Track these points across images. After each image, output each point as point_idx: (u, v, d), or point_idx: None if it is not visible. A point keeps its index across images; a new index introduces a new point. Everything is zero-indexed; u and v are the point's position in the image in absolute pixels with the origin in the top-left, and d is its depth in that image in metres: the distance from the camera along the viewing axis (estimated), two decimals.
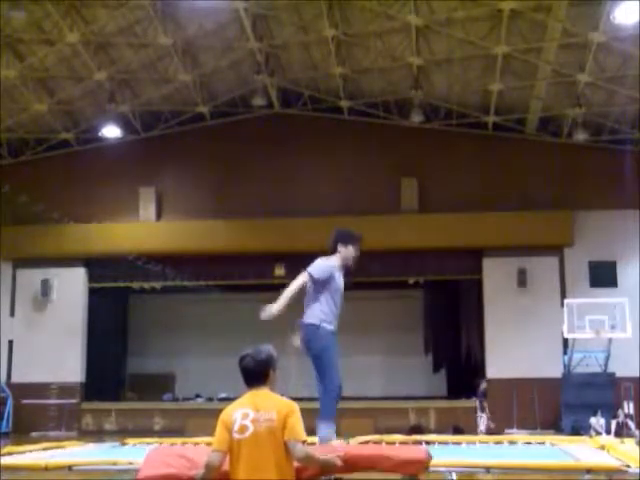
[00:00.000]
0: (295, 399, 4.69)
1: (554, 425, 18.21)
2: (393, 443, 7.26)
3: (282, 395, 4.66)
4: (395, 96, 19.77)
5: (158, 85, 19.51)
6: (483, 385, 17.59)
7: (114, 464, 6.12)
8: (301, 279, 6.17)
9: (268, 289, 21.23)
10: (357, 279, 19.96)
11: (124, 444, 8.16)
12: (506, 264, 19.86)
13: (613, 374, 17.96)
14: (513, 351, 19.32)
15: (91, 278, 21.30)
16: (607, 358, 17.94)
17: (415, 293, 22.72)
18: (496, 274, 20.02)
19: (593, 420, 16.48)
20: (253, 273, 20.80)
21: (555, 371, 18.65)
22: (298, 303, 6.33)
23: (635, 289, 18.88)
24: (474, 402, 18.58)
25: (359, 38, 17.54)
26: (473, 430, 16.78)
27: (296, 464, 4.57)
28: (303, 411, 4.58)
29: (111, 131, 20.55)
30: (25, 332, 20.91)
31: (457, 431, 16.52)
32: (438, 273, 20.75)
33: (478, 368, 20.17)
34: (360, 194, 20.33)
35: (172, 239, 20.29)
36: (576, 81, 17.47)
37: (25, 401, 19.86)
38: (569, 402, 17.56)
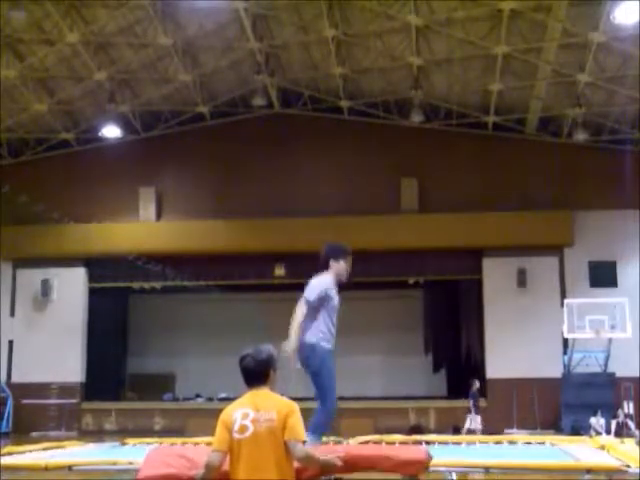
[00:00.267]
0: (295, 399, 4.69)
1: (554, 425, 18.21)
2: (393, 443, 7.26)
3: (282, 395, 4.66)
4: (395, 96, 19.77)
5: (158, 85, 19.51)
6: (476, 386, 17.54)
7: (114, 464, 6.12)
8: (302, 307, 6.17)
9: (268, 289, 21.47)
10: (357, 279, 20.08)
11: (124, 444, 8.16)
12: (506, 264, 19.86)
13: (613, 374, 17.97)
14: (513, 351, 19.32)
15: (91, 278, 21.30)
16: (607, 358, 17.95)
17: (415, 293, 22.73)
18: (496, 274, 20.02)
19: (593, 420, 16.48)
20: (253, 273, 20.81)
21: (555, 371, 18.66)
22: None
23: (635, 289, 18.88)
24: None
25: (359, 38, 17.54)
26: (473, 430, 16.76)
27: (296, 464, 4.57)
28: (303, 411, 4.58)
29: (111, 131, 20.55)
30: (25, 332, 20.92)
31: (457, 431, 16.54)
32: (438, 273, 20.76)
33: (478, 368, 20.16)
34: (360, 194, 20.33)
35: (172, 239, 20.29)
36: (576, 81, 17.47)
37: (25, 401, 19.86)
38: (569, 402, 17.56)
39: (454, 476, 5.80)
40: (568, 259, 19.93)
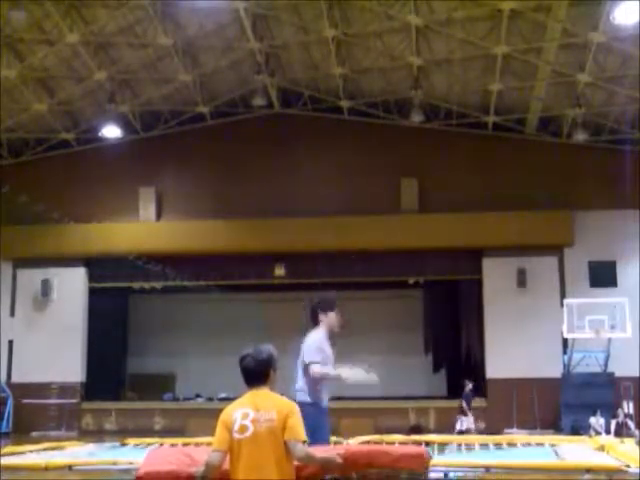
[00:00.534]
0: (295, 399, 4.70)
1: (554, 425, 18.21)
2: (393, 443, 7.27)
3: (282, 395, 4.67)
4: (395, 96, 19.77)
5: (158, 85, 19.51)
6: (469, 387, 17.52)
7: (114, 464, 6.13)
8: (317, 367, 6.05)
9: (268, 289, 21.48)
10: (357, 279, 20.16)
11: (124, 444, 8.17)
12: (506, 264, 19.86)
13: (613, 374, 17.98)
14: (513, 351, 19.32)
15: (91, 278, 21.30)
16: (607, 358, 17.96)
17: (415, 293, 22.72)
18: (496, 274, 20.02)
19: (593, 420, 16.49)
20: (253, 273, 20.81)
21: (555, 371, 18.66)
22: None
23: (635, 289, 18.88)
24: (473, 402, 18.53)
25: (359, 38, 17.54)
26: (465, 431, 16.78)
27: (296, 464, 4.57)
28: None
29: (111, 131, 20.55)
30: (25, 332, 20.91)
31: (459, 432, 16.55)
32: (438, 273, 20.76)
33: (478, 368, 20.17)
34: (360, 194, 20.33)
35: (172, 239, 20.30)
36: (576, 81, 17.47)
37: (25, 401, 19.86)
38: (569, 402, 17.57)
39: (454, 476, 5.81)
40: (568, 259, 19.93)
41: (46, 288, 20.87)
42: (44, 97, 19.12)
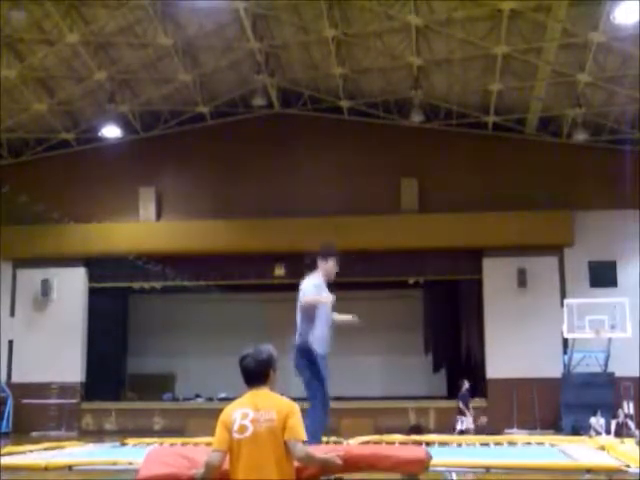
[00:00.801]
0: (295, 399, 4.70)
1: (554, 425, 18.21)
2: (393, 443, 7.26)
3: (282, 395, 4.67)
4: (395, 96, 19.77)
5: (158, 85, 19.51)
6: (465, 386, 17.50)
7: (114, 464, 6.13)
8: (312, 296, 6.20)
9: (268, 289, 21.46)
10: (357, 279, 20.16)
11: (124, 444, 8.16)
12: (506, 264, 19.86)
13: (613, 374, 17.97)
14: (513, 351, 19.31)
15: (91, 278, 21.29)
16: (607, 358, 17.95)
17: (415, 293, 22.72)
18: (496, 274, 20.02)
19: (593, 420, 16.48)
20: (253, 273, 20.81)
21: (555, 371, 18.66)
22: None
23: (635, 289, 18.88)
24: (474, 402, 18.53)
25: (359, 38, 17.53)
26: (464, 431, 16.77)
27: (296, 464, 4.57)
28: (303, 411, 4.58)
29: (111, 131, 20.54)
30: (25, 332, 20.91)
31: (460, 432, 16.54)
32: (438, 273, 20.74)
33: (478, 368, 20.17)
34: (360, 194, 20.33)
35: (172, 239, 20.29)
36: (576, 81, 17.47)
37: (25, 401, 19.85)
38: (569, 402, 17.56)
39: (454, 476, 5.80)
40: (568, 259, 19.93)
41: (46, 288, 20.86)
42: (44, 97, 19.11)
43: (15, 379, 20.64)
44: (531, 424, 18.56)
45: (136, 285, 21.49)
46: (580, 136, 19.17)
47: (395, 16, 16.28)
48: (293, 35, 17.73)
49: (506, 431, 17.63)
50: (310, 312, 6.25)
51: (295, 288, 6.81)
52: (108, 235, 20.49)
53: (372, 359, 22.68)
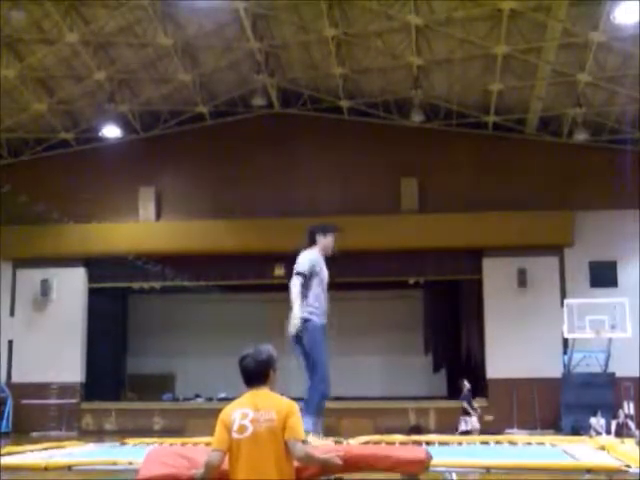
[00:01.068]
0: (295, 399, 4.69)
1: (554, 425, 18.21)
2: (393, 443, 7.24)
3: (282, 395, 4.66)
4: (395, 96, 19.76)
5: (158, 85, 19.50)
6: (466, 387, 17.47)
7: (114, 464, 6.11)
8: (298, 282, 6.18)
9: (268, 289, 21.43)
10: (357, 279, 20.15)
11: (124, 444, 8.14)
12: (506, 264, 19.85)
13: (613, 374, 17.97)
14: (513, 351, 19.31)
15: (91, 278, 21.29)
16: (607, 358, 17.94)
17: (415, 293, 22.72)
18: (496, 274, 20.01)
19: (593, 420, 16.48)
20: (253, 273, 20.80)
21: (555, 371, 18.66)
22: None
23: (635, 289, 18.88)
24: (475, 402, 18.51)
25: (359, 38, 17.53)
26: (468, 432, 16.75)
27: (296, 464, 4.56)
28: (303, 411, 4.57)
29: (111, 131, 20.55)
30: (25, 332, 20.91)
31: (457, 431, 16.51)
32: (438, 273, 20.74)
33: (478, 368, 20.16)
34: (360, 194, 20.33)
35: (172, 239, 20.29)
36: (576, 81, 17.47)
37: (25, 401, 19.85)
38: (569, 402, 17.56)
39: (454, 476, 5.78)
40: (568, 259, 19.93)
41: (46, 288, 20.86)
42: (44, 97, 19.11)
43: (15, 379, 20.65)
44: (531, 424, 18.56)
45: (136, 285, 21.50)
46: (580, 136, 19.17)
47: (395, 16, 16.28)
48: (293, 35, 17.72)
49: (506, 431, 17.62)
50: (305, 281, 6.27)
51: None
52: (108, 235, 20.49)
53: (372, 359, 22.68)
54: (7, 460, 6.32)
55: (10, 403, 19.94)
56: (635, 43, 15.47)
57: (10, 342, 20.94)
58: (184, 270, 20.43)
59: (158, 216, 21.19)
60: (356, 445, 6.60)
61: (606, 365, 18.07)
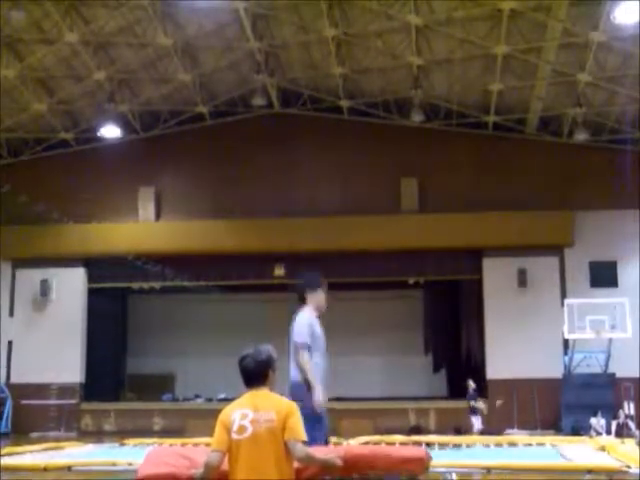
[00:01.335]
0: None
1: (554, 425, 18.19)
2: (393, 444, 7.24)
3: (282, 395, 4.65)
4: (395, 96, 19.75)
5: (158, 85, 19.49)
6: (472, 386, 17.43)
7: (113, 464, 6.11)
8: (306, 355, 6.01)
9: (268, 289, 21.46)
10: (357, 279, 20.14)
11: (123, 445, 8.14)
12: (506, 264, 19.84)
13: (613, 374, 17.96)
14: (513, 351, 19.29)
15: (90, 278, 21.27)
16: (607, 358, 17.93)
17: (415, 293, 22.71)
18: (496, 274, 20.00)
19: (593, 420, 16.46)
20: (253, 273, 20.79)
21: (555, 371, 18.64)
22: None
23: (635, 289, 18.87)
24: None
25: (359, 38, 17.51)
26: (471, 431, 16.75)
27: (296, 464, 4.55)
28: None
29: (111, 131, 20.52)
30: (24, 332, 20.89)
31: (458, 432, 16.51)
32: (438, 273, 20.73)
33: (478, 368, 20.14)
34: (360, 194, 20.32)
35: (172, 239, 20.27)
36: (576, 81, 17.46)
37: (24, 401, 19.83)
38: (569, 402, 17.54)
39: (454, 476, 5.78)
40: (568, 259, 19.91)
41: (45, 288, 20.83)
42: (44, 97, 19.09)
43: (14, 380, 20.62)
44: (531, 425, 18.54)
45: (135, 285, 21.48)
46: (580, 136, 19.16)
47: (395, 16, 16.27)
48: (293, 35, 17.71)
49: (507, 431, 17.61)
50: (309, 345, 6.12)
51: (295, 288, 6.74)
52: (107, 235, 20.47)
53: (372, 359, 22.67)
54: (7, 460, 6.32)
55: (9, 404, 19.92)
56: (635, 43, 15.45)
57: (10, 342, 20.91)
58: (184, 270, 20.42)
59: (158, 216, 21.17)
60: (356, 445, 6.59)
61: (606, 365, 18.06)
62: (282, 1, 16.33)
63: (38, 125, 20.45)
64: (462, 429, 16.85)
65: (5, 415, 19.68)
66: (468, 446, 7.59)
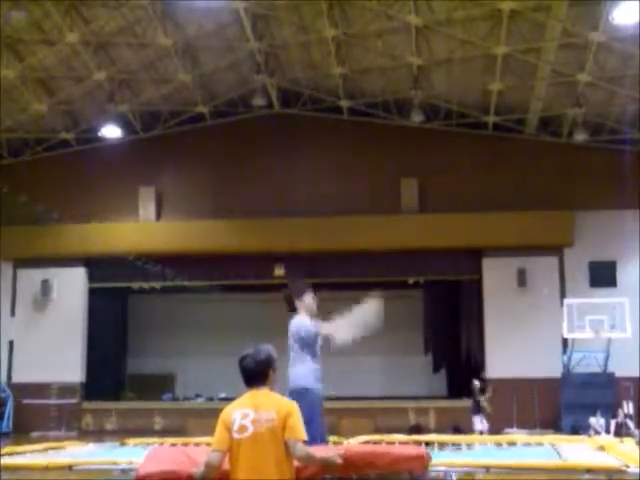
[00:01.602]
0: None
1: (554, 425, 18.21)
2: (393, 443, 7.26)
3: (282, 395, 4.67)
4: (395, 96, 19.77)
5: (158, 85, 19.51)
6: (477, 386, 17.41)
7: (114, 464, 6.12)
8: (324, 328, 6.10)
9: (268, 289, 21.45)
10: (357, 279, 20.15)
11: (124, 444, 8.15)
12: (506, 264, 19.86)
13: (613, 374, 17.98)
14: (513, 351, 19.32)
15: (91, 278, 21.29)
16: (607, 358, 17.96)
17: (415, 293, 22.73)
18: (496, 274, 20.02)
19: (593, 420, 16.48)
20: (253, 273, 20.82)
21: (555, 371, 18.67)
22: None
23: (635, 289, 18.89)
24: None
25: (359, 38, 17.53)
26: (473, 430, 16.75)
27: (296, 464, 4.57)
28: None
29: (111, 131, 20.55)
30: (25, 332, 20.91)
31: (457, 431, 16.51)
32: (438, 273, 20.76)
33: (478, 368, 20.16)
34: (360, 194, 20.34)
35: (172, 239, 20.29)
36: (576, 81, 17.48)
37: (25, 401, 19.85)
38: (569, 402, 17.57)
39: (454, 476, 5.80)
40: (568, 259, 19.94)
41: (46, 288, 20.86)
42: (44, 97, 19.11)
43: (15, 379, 20.65)
44: (531, 424, 18.56)
45: (136, 285, 21.50)
46: (580, 136, 19.18)
47: (395, 16, 16.29)
48: (293, 35, 17.73)
49: (506, 431, 17.62)
50: (303, 346, 6.19)
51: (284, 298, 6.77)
52: (108, 235, 20.50)
53: (372, 359, 22.67)
54: (7, 460, 6.34)
55: (10, 403, 19.95)
56: (635, 43, 15.47)
57: (10, 342, 20.94)
58: (184, 270, 20.43)
59: (158, 216, 21.19)
60: (356, 445, 6.61)
61: (605, 365, 18.08)
62: (282, 1, 16.35)
63: (38, 125, 20.47)
64: (461, 428, 16.84)
65: (6, 415, 19.71)
66: (468, 445, 7.61)
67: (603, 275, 19.56)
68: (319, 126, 20.79)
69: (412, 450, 5.72)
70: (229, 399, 4.97)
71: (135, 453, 6.55)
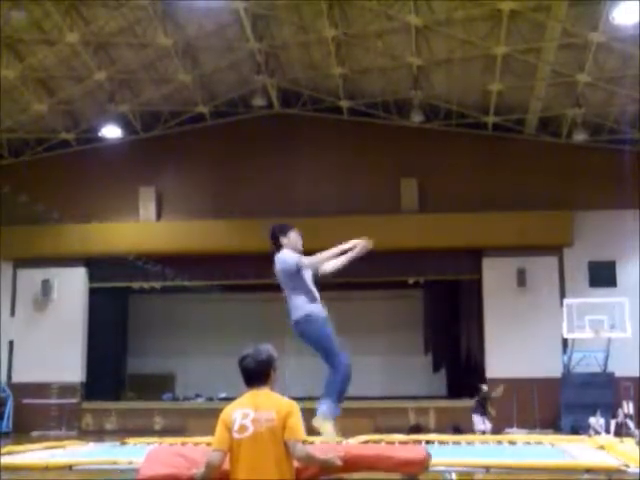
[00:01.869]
0: (295, 399, 4.71)
1: (553, 425, 18.23)
2: (393, 443, 7.26)
3: (282, 395, 4.68)
4: (395, 96, 19.78)
5: (158, 85, 19.52)
6: (484, 390, 17.37)
7: (114, 464, 6.12)
8: (314, 257, 6.24)
9: (268, 289, 21.38)
10: (357, 279, 20.16)
11: (124, 444, 8.15)
12: (506, 264, 19.87)
13: (612, 374, 17.99)
14: (513, 351, 19.33)
15: (91, 278, 21.31)
16: (606, 358, 17.97)
17: (415, 293, 22.74)
18: (496, 274, 20.03)
19: (592, 420, 16.49)
20: (253, 273, 20.79)
21: (555, 371, 18.68)
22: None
23: (635, 289, 18.90)
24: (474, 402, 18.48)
25: (359, 38, 17.55)
26: (472, 430, 16.75)
27: (296, 464, 4.58)
28: (303, 411, 4.59)
29: (111, 131, 20.56)
30: (25, 332, 20.93)
31: (457, 431, 16.51)
32: (438, 273, 20.77)
33: (478, 368, 20.18)
34: (360, 194, 20.35)
35: (172, 239, 20.30)
36: (576, 81, 17.49)
37: (25, 401, 19.87)
38: (569, 402, 17.58)
39: (454, 476, 5.81)
40: (568, 259, 19.95)
41: (46, 288, 20.88)
42: (44, 97, 19.12)
43: (15, 379, 20.67)
44: (531, 424, 18.57)
45: (136, 285, 21.52)
46: (580, 136, 19.19)
47: (395, 16, 16.30)
48: (293, 35, 17.74)
49: (506, 430, 17.62)
50: (295, 278, 6.33)
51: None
52: (108, 235, 20.51)
53: (372, 359, 22.66)
54: (7, 460, 6.33)
55: (11, 403, 19.96)
56: (635, 43, 15.48)
57: (10, 342, 20.95)
58: (184, 270, 20.45)
59: (158, 216, 21.20)
60: (356, 445, 6.62)
61: (605, 365, 18.09)
62: (282, 1, 16.36)
63: (39, 125, 20.49)
64: (461, 428, 16.84)
65: (6, 414, 19.73)
66: (468, 445, 7.61)
67: (603, 275, 19.58)
68: (319, 126, 20.80)
69: (412, 450, 5.72)
70: (229, 399, 4.98)
71: (135, 453, 6.55)
